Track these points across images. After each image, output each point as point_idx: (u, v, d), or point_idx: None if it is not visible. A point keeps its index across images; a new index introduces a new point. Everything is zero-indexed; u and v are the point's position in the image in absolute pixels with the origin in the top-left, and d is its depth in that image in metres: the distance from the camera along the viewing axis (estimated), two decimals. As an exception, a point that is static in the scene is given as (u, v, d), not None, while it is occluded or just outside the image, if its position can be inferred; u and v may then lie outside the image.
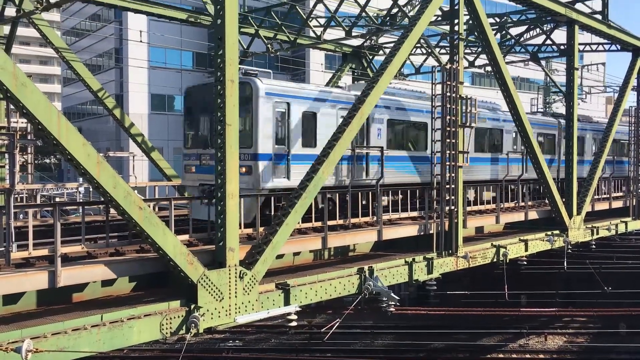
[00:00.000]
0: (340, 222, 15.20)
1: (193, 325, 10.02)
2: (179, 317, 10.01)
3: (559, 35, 24.99)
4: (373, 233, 15.21)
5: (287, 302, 11.79)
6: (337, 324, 15.08)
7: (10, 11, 20.29)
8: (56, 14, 77.04)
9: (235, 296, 10.67)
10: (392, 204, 16.88)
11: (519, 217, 20.66)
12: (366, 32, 24.95)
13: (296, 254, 14.10)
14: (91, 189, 19.78)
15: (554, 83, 32.78)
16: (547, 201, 20.53)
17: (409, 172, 18.83)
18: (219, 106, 10.59)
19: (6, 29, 21.16)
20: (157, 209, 17.56)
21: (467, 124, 15.66)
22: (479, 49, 26.25)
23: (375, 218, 15.79)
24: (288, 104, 15.61)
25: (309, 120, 16.21)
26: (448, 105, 15.11)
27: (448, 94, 15.10)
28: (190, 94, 17.28)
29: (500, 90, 17.88)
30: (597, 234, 22.63)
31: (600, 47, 28.26)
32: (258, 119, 15.05)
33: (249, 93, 15.11)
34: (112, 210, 11.43)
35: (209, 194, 15.23)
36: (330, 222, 14.41)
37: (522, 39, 27.10)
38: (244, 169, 14.61)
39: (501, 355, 24.35)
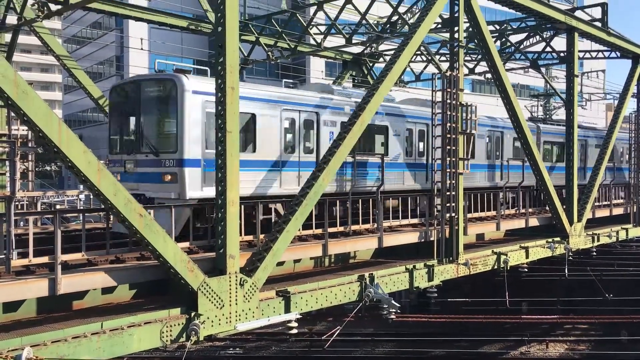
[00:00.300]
0: (341, 229, 15.18)
1: (193, 332, 10.01)
2: (179, 324, 9.99)
3: (559, 43, 25.06)
4: (373, 240, 15.20)
5: (287, 310, 11.78)
6: (338, 331, 15.02)
7: (12, 19, 20.34)
8: (57, 22, 77.28)
9: (236, 303, 10.66)
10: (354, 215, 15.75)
11: (519, 224, 20.65)
12: (366, 40, 25.00)
13: (297, 261, 14.10)
14: (92, 197, 19.78)
15: (554, 90, 32.80)
16: (547, 208, 20.54)
17: (370, 180, 17.69)
18: (219, 113, 10.62)
19: (7, 37, 21.21)
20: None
21: (468, 131, 15.69)
22: (479, 56, 26.30)
23: (375, 225, 15.78)
24: None
25: (247, 123, 14.77)
26: (448, 113, 15.14)
27: (448, 101, 15.13)
28: (115, 93, 15.48)
29: (500, 97, 17.92)
30: (598, 240, 22.62)
31: (600, 55, 28.31)
32: (184, 121, 13.48)
33: (173, 91, 13.69)
34: (112, 218, 11.44)
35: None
36: (330, 229, 14.39)
37: (522, 46, 27.15)
38: (168, 177, 13.51)
39: (502, 363, 24.29)
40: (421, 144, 19.70)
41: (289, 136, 15.80)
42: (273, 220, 13.95)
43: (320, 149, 16.20)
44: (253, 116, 14.82)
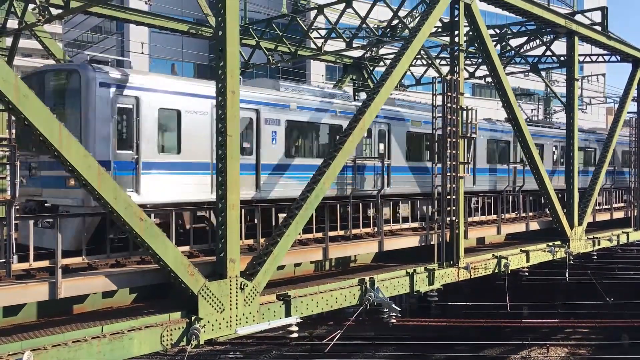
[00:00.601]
0: (341, 232, 15.17)
1: (194, 336, 10.00)
2: (179, 328, 9.98)
3: (559, 47, 25.06)
4: (374, 244, 15.20)
5: (288, 313, 11.77)
6: (339, 335, 14.98)
7: (13, 23, 20.37)
8: (58, 26, 77.41)
9: (236, 307, 10.65)
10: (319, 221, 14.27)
11: (520, 227, 20.64)
12: (367, 44, 25.04)
13: (297, 264, 14.08)
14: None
15: (554, 94, 32.82)
16: (548, 212, 20.54)
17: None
18: (220, 117, 10.63)
19: (8, 41, 21.22)
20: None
21: (468, 135, 15.70)
22: (480, 60, 26.33)
23: (376, 229, 15.77)
24: (137, 97, 12.68)
25: (170, 120, 13.34)
26: (449, 116, 15.15)
27: (449, 104, 15.15)
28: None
29: (500, 101, 17.95)
30: (599, 244, 22.59)
31: (600, 58, 28.34)
32: (89, 117, 12.02)
33: (76, 83, 12.23)
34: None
35: (32, 212, 12.80)
36: (331, 233, 14.37)
37: (522, 50, 27.19)
38: (72, 181, 11.77)
39: (503, 367, 24.25)
40: (381, 146, 18.44)
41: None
42: (208, 228, 13.03)
43: (260, 150, 14.97)
44: (178, 113, 13.41)
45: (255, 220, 13.40)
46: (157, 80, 13.30)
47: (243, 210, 12.17)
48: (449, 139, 15.13)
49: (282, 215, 14.08)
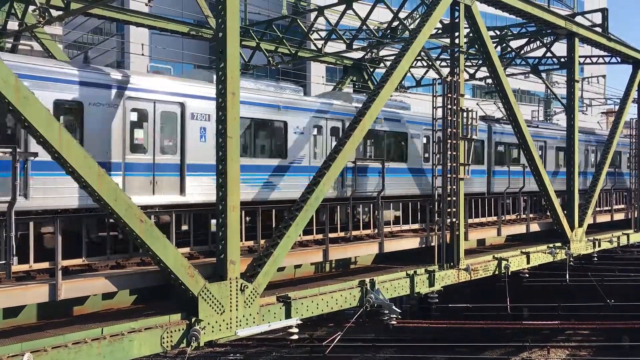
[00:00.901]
0: (342, 234, 15.16)
1: (194, 338, 10.00)
2: (179, 330, 9.97)
3: (560, 48, 25.09)
4: (374, 245, 15.19)
5: (288, 315, 11.77)
6: (339, 337, 14.99)
7: (13, 25, 20.38)
8: (58, 28, 77.50)
9: (237, 309, 10.64)
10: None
11: (520, 229, 20.62)
12: (367, 45, 25.04)
13: (297, 266, 14.08)
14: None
15: (554, 95, 32.83)
16: (548, 213, 20.54)
17: (267, 188, 15.15)
18: (220, 119, 10.62)
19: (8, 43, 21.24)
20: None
21: (468, 136, 15.69)
22: (480, 62, 26.32)
23: (376, 230, 15.76)
24: None
25: (70, 114, 11.91)
26: (449, 118, 15.14)
27: (449, 106, 15.14)
28: None
29: (501, 102, 17.96)
30: (599, 246, 22.58)
31: (601, 60, 28.35)
32: None
33: None
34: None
35: None
36: (331, 235, 14.37)
37: (522, 52, 27.19)
38: None
39: (504, 369, 24.21)
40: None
41: (138, 132, 12.88)
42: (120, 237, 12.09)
43: (186, 148, 13.40)
44: (79, 105, 11.87)
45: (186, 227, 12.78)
46: (50, 67, 11.65)
47: (172, 215, 11.78)
48: (449, 141, 15.13)
49: (213, 222, 12.64)
